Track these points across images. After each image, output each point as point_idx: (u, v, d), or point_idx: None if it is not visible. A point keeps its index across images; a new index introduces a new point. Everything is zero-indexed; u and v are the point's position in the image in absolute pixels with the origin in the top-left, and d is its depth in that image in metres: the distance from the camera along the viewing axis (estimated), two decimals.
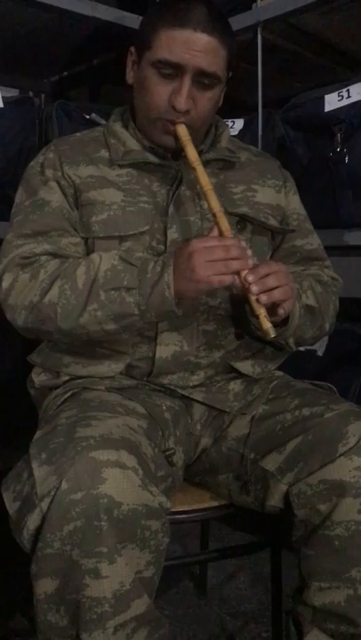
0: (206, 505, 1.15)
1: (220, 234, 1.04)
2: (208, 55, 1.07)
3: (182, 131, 1.10)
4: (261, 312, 1.02)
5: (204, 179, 1.07)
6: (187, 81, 1.07)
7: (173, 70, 1.08)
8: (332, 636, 1.00)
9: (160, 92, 1.09)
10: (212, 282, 0.98)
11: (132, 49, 1.16)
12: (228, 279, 0.99)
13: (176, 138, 1.11)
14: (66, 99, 1.94)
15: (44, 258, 1.09)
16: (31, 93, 2.42)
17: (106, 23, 1.80)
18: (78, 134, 1.25)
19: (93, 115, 1.79)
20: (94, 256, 1.06)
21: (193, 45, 1.06)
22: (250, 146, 1.32)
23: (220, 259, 0.98)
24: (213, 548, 1.63)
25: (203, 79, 1.09)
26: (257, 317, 1.02)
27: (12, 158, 1.67)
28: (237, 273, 1.00)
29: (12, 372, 1.83)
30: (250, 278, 1.00)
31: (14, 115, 1.70)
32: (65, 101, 1.81)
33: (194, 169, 1.08)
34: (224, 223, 1.04)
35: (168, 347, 1.13)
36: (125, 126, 1.20)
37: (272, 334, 1.01)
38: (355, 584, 0.95)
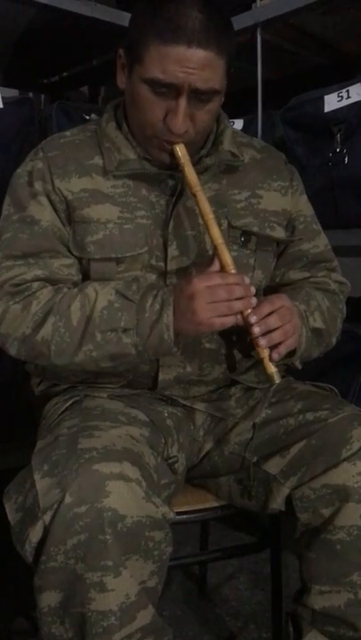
0: (207, 505, 1.15)
1: (222, 267, 1.01)
2: (204, 71, 0.98)
3: (181, 151, 1.04)
4: (265, 355, 1.00)
5: (205, 207, 1.02)
6: (182, 102, 0.99)
7: (167, 89, 0.99)
8: (331, 638, 1.00)
9: (154, 110, 1.01)
10: (215, 324, 0.96)
11: (121, 52, 1.07)
12: (230, 321, 0.97)
13: (173, 155, 1.05)
14: (65, 99, 1.94)
15: (35, 285, 1.04)
16: (31, 94, 2.42)
17: (105, 23, 1.80)
18: (68, 133, 1.16)
19: (93, 115, 1.79)
20: (90, 290, 1.02)
21: (187, 63, 0.96)
22: (253, 139, 1.25)
23: (222, 300, 0.96)
24: (213, 548, 1.63)
25: (200, 95, 1.00)
26: (260, 360, 1.00)
27: (11, 159, 1.67)
28: (240, 312, 0.98)
29: (12, 373, 1.82)
30: (252, 319, 0.99)
31: (14, 115, 1.70)
32: (64, 102, 1.81)
33: (194, 195, 1.03)
34: (226, 256, 1.01)
35: (171, 369, 1.11)
36: (119, 126, 1.12)
37: (276, 380, 1.00)
38: (355, 588, 0.95)
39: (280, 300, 1.04)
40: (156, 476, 0.95)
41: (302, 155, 1.75)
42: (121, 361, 1.01)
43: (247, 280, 1.01)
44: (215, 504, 1.15)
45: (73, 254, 1.09)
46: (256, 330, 0.99)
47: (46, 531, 0.81)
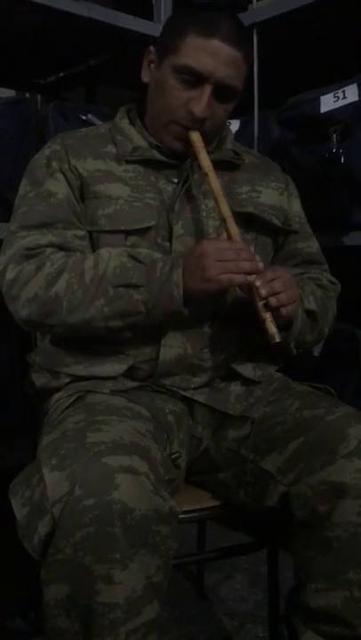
0: (203, 505, 1.15)
1: (230, 238, 1.07)
2: (231, 68, 1.09)
3: (196, 137, 1.12)
4: (267, 316, 1.04)
5: (216, 185, 1.10)
6: (207, 90, 1.09)
7: (195, 78, 1.09)
8: (326, 638, 0.99)
9: (178, 96, 1.11)
10: (223, 280, 1.01)
11: (152, 49, 1.17)
12: (238, 278, 1.02)
13: (187, 143, 1.13)
14: (62, 99, 1.94)
15: (49, 250, 1.09)
16: (27, 94, 2.42)
17: (102, 24, 1.80)
18: (83, 129, 1.25)
19: (90, 115, 1.79)
20: (103, 252, 1.07)
21: (219, 57, 1.08)
22: (251, 150, 1.34)
23: (230, 259, 1.01)
24: (210, 548, 1.63)
25: (222, 91, 1.11)
26: (262, 322, 1.04)
27: (8, 159, 1.67)
28: (247, 273, 1.03)
29: (10, 371, 1.83)
30: (258, 282, 1.03)
31: (10, 116, 1.69)
32: (61, 102, 1.81)
33: (206, 175, 1.11)
34: (233, 228, 1.07)
35: (172, 349, 1.13)
36: (132, 124, 1.21)
37: (277, 339, 1.03)
38: (351, 586, 0.95)
39: (281, 270, 1.09)
40: (162, 470, 0.95)
41: (298, 155, 1.75)
42: (131, 319, 1.05)
43: (252, 249, 1.07)
44: (212, 504, 1.15)
45: (85, 228, 1.14)
46: (263, 291, 1.03)
47: (55, 523, 0.81)
